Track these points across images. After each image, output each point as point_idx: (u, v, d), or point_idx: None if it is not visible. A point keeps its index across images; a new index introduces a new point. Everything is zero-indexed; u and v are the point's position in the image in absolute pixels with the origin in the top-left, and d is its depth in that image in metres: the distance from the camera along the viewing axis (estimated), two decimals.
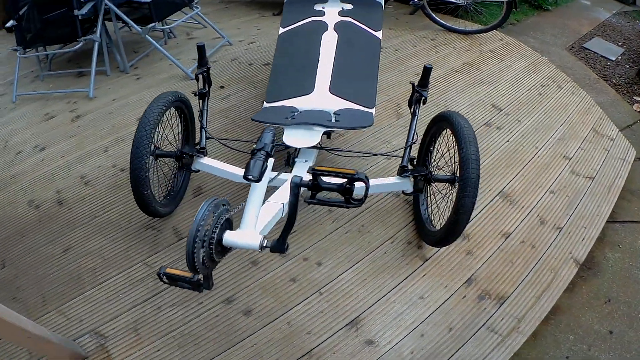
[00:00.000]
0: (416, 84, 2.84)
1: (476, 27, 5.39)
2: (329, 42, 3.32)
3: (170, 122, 2.89)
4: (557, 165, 3.42)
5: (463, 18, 5.66)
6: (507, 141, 3.59)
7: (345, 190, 1.98)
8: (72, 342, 2.32)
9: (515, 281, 2.66)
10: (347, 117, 2.83)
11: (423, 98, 2.83)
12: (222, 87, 4.41)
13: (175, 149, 2.88)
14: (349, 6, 3.61)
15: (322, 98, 2.98)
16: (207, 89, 3.02)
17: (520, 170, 3.34)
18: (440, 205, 2.86)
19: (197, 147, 2.86)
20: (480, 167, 3.22)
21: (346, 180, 1.94)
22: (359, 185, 2.01)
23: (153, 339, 2.37)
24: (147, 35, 4.59)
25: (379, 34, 3.45)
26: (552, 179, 3.29)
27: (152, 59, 5.03)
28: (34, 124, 4.10)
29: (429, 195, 2.92)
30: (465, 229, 2.77)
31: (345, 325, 2.42)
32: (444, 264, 2.70)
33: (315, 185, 1.99)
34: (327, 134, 3.16)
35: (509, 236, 2.86)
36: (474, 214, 2.93)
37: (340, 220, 2.93)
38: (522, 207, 3.06)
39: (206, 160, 2.86)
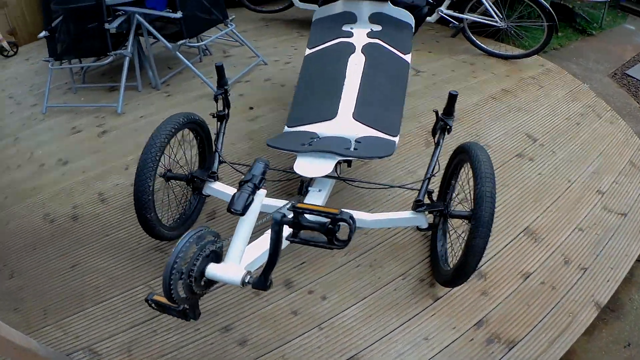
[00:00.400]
0: (441, 112, 2.79)
1: (517, 51, 5.31)
2: (355, 65, 3.30)
3: (189, 143, 2.93)
4: (588, 200, 3.31)
5: (504, 42, 5.57)
6: (539, 174, 3.49)
7: (328, 231, 1.88)
8: (64, 357, 2.36)
9: (529, 324, 2.55)
10: (367, 145, 2.79)
11: (448, 127, 2.77)
12: (251, 108, 4.45)
13: (188, 172, 2.89)
14: (378, 27, 3.61)
15: (344, 124, 2.96)
16: (225, 111, 3.03)
17: (549, 205, 3.23)
18: (454, 243, 2.78)
19: (209, 171, 2.87)
20: (508, 201, 3.17)
21: (329, 220, 1.87)
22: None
23: None
24: (177, 52, 4.69)
25: (407, 57, 3.43)
26: (582, 215, 3.17)
27: (185, 76, 5.13)
28: (61, 137, 4.25)
29: (447, 231, 2.84)
30: (482, 268, 2.71)
31: None
32: (455, 304, 2.62)
33: (296, 224, 1.93)
34: (348, 162, 3.11)
35: (529, 276, 2.77)
36: (493, 252, 2.87)
37: (352, 253, 2.90)
38: (547, 246, 2.95)
39: (216, 186, 2.85)
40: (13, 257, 3.04)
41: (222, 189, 2.83)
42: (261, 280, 1.95)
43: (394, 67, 3.36)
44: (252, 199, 2.22)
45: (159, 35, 4.64)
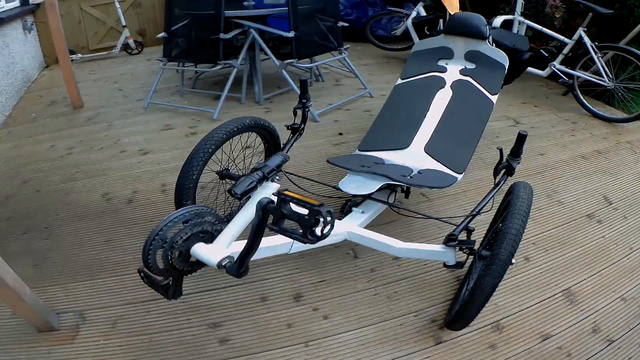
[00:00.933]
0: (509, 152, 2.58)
1: (621, 115, 4.97)
2: (441, 100, 3.30)
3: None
4: None
5: (610, 103, 5.21)
6: (602, 237, 3.12)
7: (303, 222, 1.75)
8: (51, 312, 2.45)
9: None
10: (426, 176, 2.74)
11: (512, 169, 2.57)
12: (340, 134, 4.45)
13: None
14: (472, 65, 3.53)
15: (414, 155, 2.96)
16: (300, 125, 3.06)
17: (601, 270, 2.85)
18: None
19: None
20: (558, 259, 2.94)
21: (307, 211, 1.75)
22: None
23: (122, 336, 2.39)
24: (284, 71, 4.82)
25: (494, 98, 3.32)
26: (631, 285, 2.76)
27: (290, 96, 5.28)
28: (151, 131, 4.54)
29: (474, 272, 2.61)
30: (501, 320, 2.46)
31: None
32: (456, 352, 2.34)
33: (277, 210, 1.83)
34: (405, 193, 3.03)
35: (547, 338, 2.42)
36: (521, 307, 2.57)
37: (377, 280, 2.73)
38: (581, 310, 2.57)
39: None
40: (57, 223, 3.25)
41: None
42: (234, 266, 1.92)
43: (477, 106, 3.30)
44: (256, 186, 2.18)
45: (268, 51, 4.84)
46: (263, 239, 1.94)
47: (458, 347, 2.36)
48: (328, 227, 1.72)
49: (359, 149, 3.13)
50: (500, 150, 2.56)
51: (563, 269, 2.85)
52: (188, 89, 5.40)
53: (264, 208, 1.78)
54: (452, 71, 3.50)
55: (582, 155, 4.14)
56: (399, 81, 3.61)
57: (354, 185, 2.63)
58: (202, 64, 5.41)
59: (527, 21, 5.37)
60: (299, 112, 3.05)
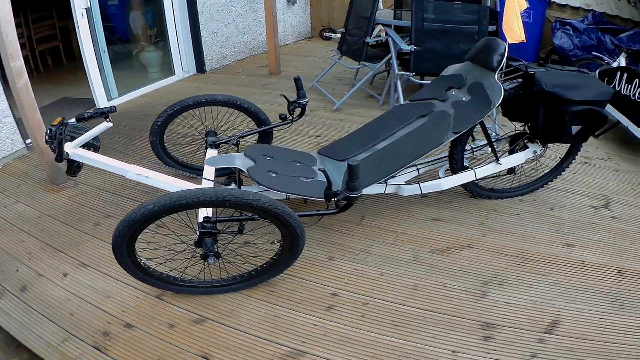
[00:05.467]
0: None
1: None
2: (411, 126, 3.15)
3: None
4: None
5: None
6: None
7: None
8: None
9: None
10: (301, 185, 2.80)
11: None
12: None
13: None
14: (468, 97, 3.11)
15: (339, 169, 3.00)
16: (288, 117, 3.27)
17: None
18: None
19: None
20: None
21: None
22: None
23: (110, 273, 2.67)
24: (397, 81, 4.84)
25: (447, 136, 2.94)
26: None
27: None
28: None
29: None
30: None
31: None
32: None
33: None
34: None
35: None
36: None
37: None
38: None
39: (210, 152, 3.24)
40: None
41: (208, 155, 3.18)
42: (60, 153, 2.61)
43: (427, 139, 3.00)
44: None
45: (394, 58, 4.86)
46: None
47: None
48: None
49: (318, 151, 3.23)
50: None
51: None
52: (358, 83, 5.39)
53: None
54: (450, 101, 3.16)
55: None
56: (404, 101, 3.44)
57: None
58: (356, 60, 5.39)
59: None
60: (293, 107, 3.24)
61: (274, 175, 2.77)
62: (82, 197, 3.42)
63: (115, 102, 5.28)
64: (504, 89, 2.94)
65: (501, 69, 3.03)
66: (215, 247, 2.32)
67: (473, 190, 3.33)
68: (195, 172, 3.35)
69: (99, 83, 5.18)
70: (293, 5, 8.28)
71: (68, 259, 2.80)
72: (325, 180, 2.45)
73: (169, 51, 6.30)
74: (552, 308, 2.45)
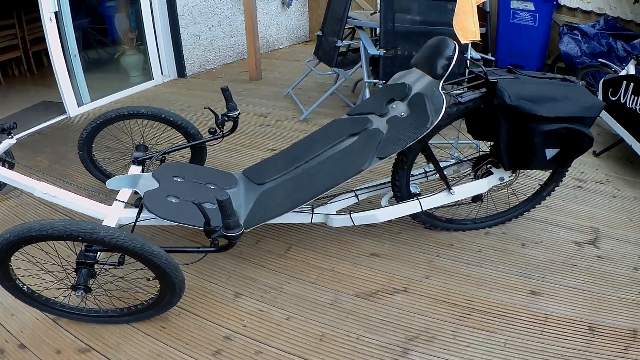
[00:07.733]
0: None
1: None
2: (342, 144, 2.60)
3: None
4: None
5: None
6: None
7: None
8: None
9: None
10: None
11: None
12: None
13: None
14: (407, 112, 2.48)
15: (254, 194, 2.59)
16: (217, 130, 2.96)
17: None
18: None
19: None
20: None
21: None
22: None
23: None
24: (366, 86, 4.31)
25: (370, 162, 2.33)
26: None
27: None
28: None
29: None
30: None
31: None
32: None
33: None
34: None
35: None
36: None
37: None
38: None
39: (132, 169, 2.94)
40: None
41: (131, 172, 2.87)
42: None
43: (343, 165, 2.44)
44: None
45: (364, 59, 4.31)
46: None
47: None
48: None
49: (242, 171, 2.82)
50: None
51: None
52: (338, 90, 5.00)
53: None
54: (388, 116, 2.55)
55: None
56: (343, 116, 2.84)
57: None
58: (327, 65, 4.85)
59: None
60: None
61: (173, 200, 2.39)
62: (20, 208, 3.14)
63: (86, 108, 5.02)
64: (461, 102, 2.36)
65: (449, 76, 2.38)
66: (94, 278, 2.11)
67: (425, 221, 2.73)
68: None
69: (69, 88, 4.82)
70: (288, 8, 7.69)
71: None
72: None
73: (147, 55, 5.88)
74: None
